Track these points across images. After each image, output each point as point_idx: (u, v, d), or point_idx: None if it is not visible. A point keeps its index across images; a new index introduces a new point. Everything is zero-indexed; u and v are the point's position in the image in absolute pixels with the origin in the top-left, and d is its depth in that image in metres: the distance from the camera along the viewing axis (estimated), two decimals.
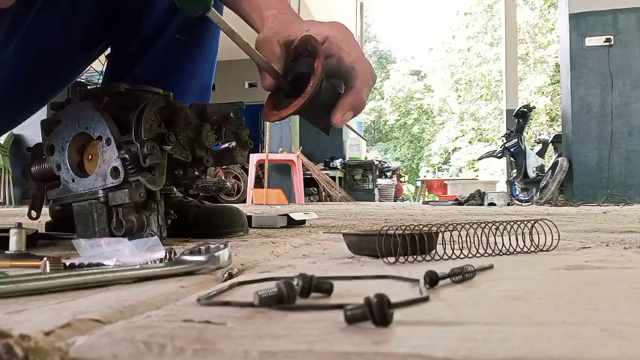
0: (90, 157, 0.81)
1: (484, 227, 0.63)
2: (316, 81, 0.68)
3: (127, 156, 0.75)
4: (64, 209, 0.93)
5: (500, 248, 0.63)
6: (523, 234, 0.65)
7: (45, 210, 0.97)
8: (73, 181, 0.80)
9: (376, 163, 10.47)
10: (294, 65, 0.74)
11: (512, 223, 0.65)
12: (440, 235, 0.65)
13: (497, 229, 0.64)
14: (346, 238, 0.68)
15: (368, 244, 0.64)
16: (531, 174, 7.09)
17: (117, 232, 0.77)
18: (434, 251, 0.61)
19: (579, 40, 6.01)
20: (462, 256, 0.60)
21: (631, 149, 5.86)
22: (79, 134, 0.80)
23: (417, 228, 0.60)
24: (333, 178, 8.47)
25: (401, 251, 0.57)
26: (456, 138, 23.27)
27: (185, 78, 1.10)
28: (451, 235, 0.65)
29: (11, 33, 0.88)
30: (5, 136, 6.06)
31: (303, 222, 1.51)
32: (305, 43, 0.72)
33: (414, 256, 0.58)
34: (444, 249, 0.60)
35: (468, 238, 0.63)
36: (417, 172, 23.83)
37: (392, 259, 0.57)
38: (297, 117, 7.95)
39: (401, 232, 0.59)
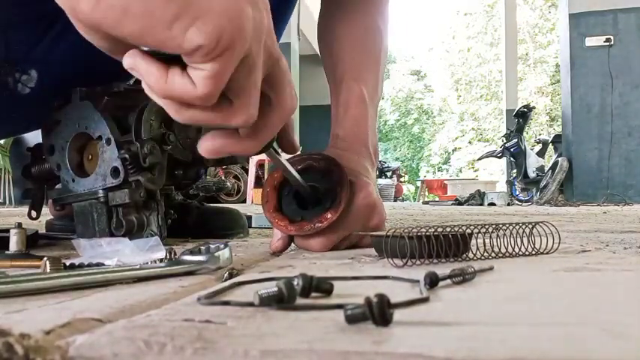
0: (90, 156, 0.81)
1: (484, 232, 0.63)
2: (334, 218, 0.68)
3: (127, 156, 0.75)
4: (63, 209, 0.93)
5: (500, 250, 0.63)
6: (521, 237, 0.65)
7: (45, 210, 0.97)
8: (73, 181, 0.80)
9: None
10: (320, 178, 0.72)
11: (511, 227, 0.65)
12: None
13: (497, 235, 0.64)
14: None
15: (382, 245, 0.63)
16: (531, 174, 7.10)
17: (117, 231, 0.77)
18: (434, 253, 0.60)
19: (579, 40, 6.02)
20: (461, 257, 0.60)
21: (631, 149, 5.87)
22: (79, 134, 0.80)
23: (443, 230, 0.59)
24: None
25: (425, 254, 0.56)
26: (456, 138, 23.28)
27: None
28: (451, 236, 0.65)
29: (60, 38, 0.86)
30: None
31: None
32: (340, 171, 0.71)
33: (431, 259, 0.57)
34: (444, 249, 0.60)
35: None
36: (417, 172, 23.84)
37: (400, 262, 0.57)
38: (297, 118, 7.81)
39: (430, 233, 0.58)
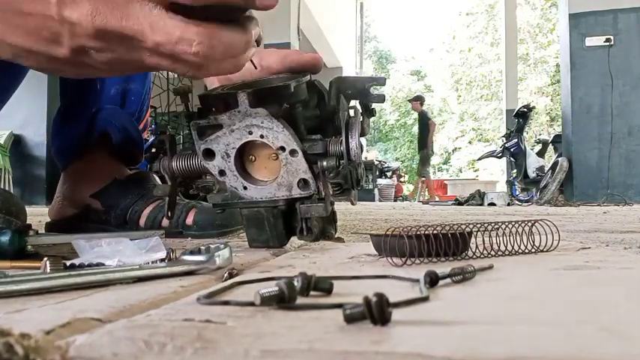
0: (252, 158, 0.76)
1: (484, 231, 0.63)
2: None
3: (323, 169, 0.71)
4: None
5: (499, 249, 0.63)
6: (521, 235, 0.65)
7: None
8: (245, 188, 0.76)
9: (376, 163, 10.48)
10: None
11: (510, 225, 0.65)
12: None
13: (497, 233, 0.64)
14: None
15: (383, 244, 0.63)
16: (531, 174, 7.09)
17: (307, 237, 0.76)
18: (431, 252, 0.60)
19: (579, 40, 6.01)
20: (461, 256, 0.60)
21: (631, 149, 5.86)
22: (249, 141, 0.74)
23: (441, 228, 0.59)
24: None
25: (424, 253, 0.56)
26: (456, 138, 23.29)
27: None
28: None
29: None
30: (5, 135, 6.07)
31: None
32: None
33: (430, 258, 0.57)
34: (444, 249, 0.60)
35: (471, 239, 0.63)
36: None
37: (400, 261, 0.57)
38: None
39: (429, 232, 0.58)
